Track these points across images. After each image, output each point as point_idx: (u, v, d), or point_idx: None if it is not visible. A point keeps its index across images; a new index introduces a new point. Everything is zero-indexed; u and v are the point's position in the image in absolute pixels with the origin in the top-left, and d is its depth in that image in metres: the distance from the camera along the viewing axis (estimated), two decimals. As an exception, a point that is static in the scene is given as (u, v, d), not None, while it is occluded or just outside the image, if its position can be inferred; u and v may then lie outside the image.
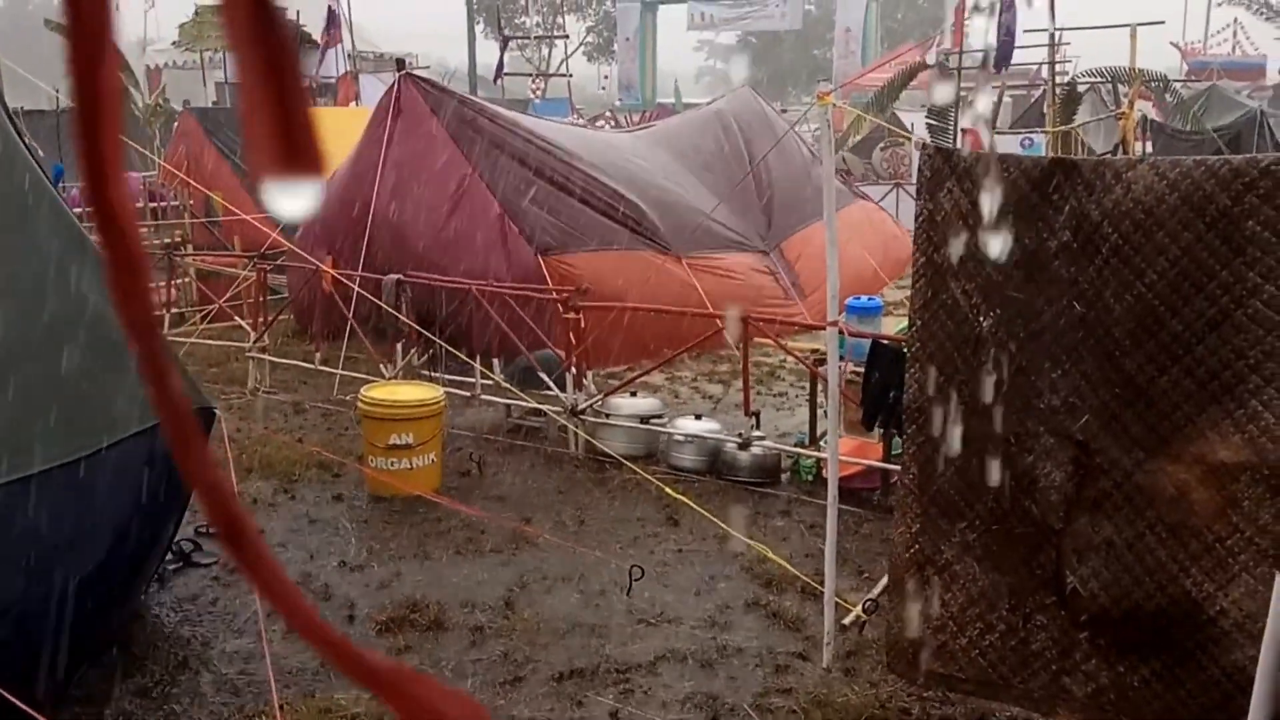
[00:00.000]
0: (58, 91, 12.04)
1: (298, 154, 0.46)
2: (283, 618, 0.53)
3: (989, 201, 3.41)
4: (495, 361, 8.49)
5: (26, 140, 4.95)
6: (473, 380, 8.43)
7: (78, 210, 5.37)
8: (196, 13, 28.01)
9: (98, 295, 4.57)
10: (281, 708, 4.28)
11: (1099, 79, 19.45)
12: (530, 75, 33.76)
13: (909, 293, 3.96)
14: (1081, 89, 19.56)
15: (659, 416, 7.93)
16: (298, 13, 25.55)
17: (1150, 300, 2.96)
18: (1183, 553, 2.92)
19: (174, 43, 29.95)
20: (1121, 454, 3.03)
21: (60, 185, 5.92)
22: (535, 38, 39.62)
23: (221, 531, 0.50)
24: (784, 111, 18.42)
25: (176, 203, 14.80)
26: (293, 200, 0.46)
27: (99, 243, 0.48)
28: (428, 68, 24.58)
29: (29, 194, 4.67)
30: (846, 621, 5.06)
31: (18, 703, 3.31)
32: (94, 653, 4.63)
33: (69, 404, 4.22)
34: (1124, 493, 3.04)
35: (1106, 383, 3.06)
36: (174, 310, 11.69)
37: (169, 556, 5.56)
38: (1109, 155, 12.65)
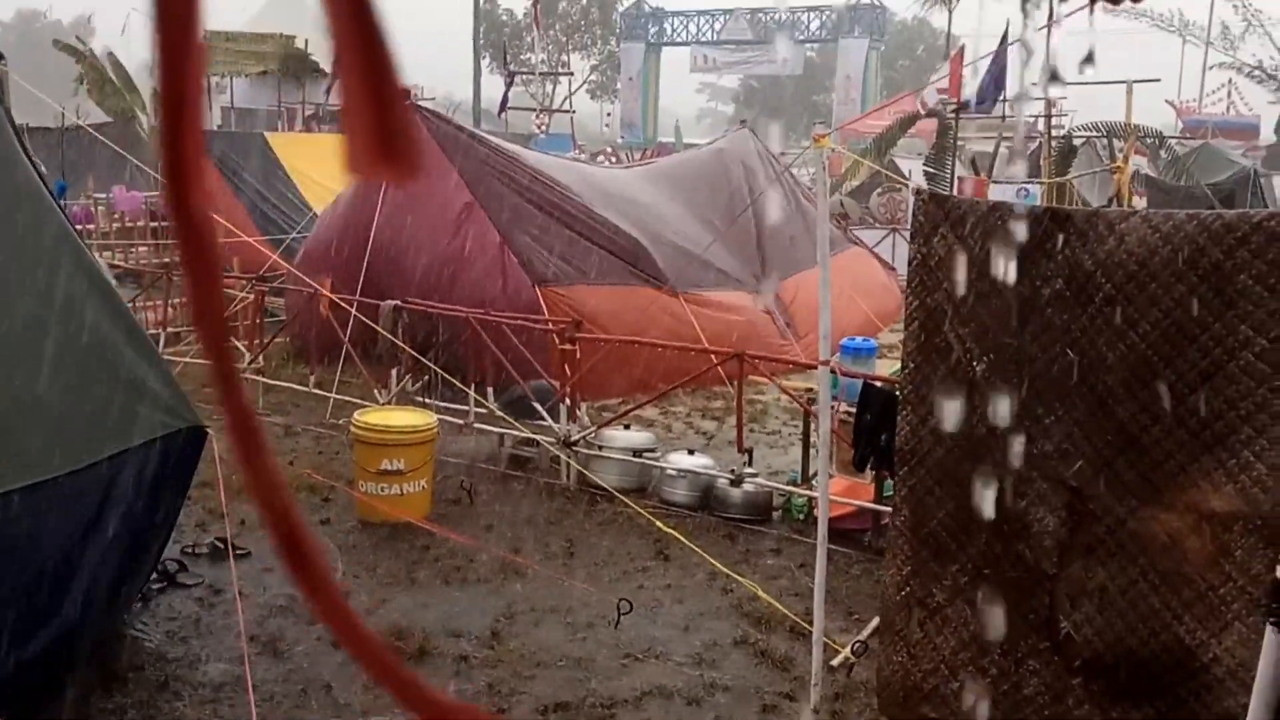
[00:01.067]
0: (63, 109, 12.13)
1: (393, 152, 0.46)
2: (339, 636, 0.53)
3: (983, 248, 3.45)
4: (490, 390, 8.49)
5: (31, 157, 4.98)
6: (466, 408, 8.43)
7: (78, 227, 5.40)
8: (205, 38, 28.26)
9: (96, 313, 4.59)
10: (263, 732, 4.24)
11: (1095, 133, 19.72)
12: (534, 110, 34.07)
13: (903, 336, 4.00)
14: (1077, 142, 19.83)
15: (652, 450, 7.93)
16: (306, 41, 25.85)
17: (1143, 350, 3.00)
18: (1176, 600, 2.93)
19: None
20: (1115, 501, 3.05)
21: (62, 202, 5.96)
22: (540, 74, 40.02)
23: (281, 545, 0.51)
24: (783, 154, 18.60)
25: (177, 223, 14.85)
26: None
27: (179, 251, 0.49)
28: (433, 99, 24.80)
29: (34, 211, 4.70)
30: (835, 663, 5.04)
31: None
32: (75, 670, 4.59)
33: (59, 420, 4.22)
34: (1117, 539, 3.05)
35: (1099, 430, 3.08)
36: (169, 329, 11.67)
37: (154, 576, 5.52)
38: (1104, 208, 12.78)
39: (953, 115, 17.09)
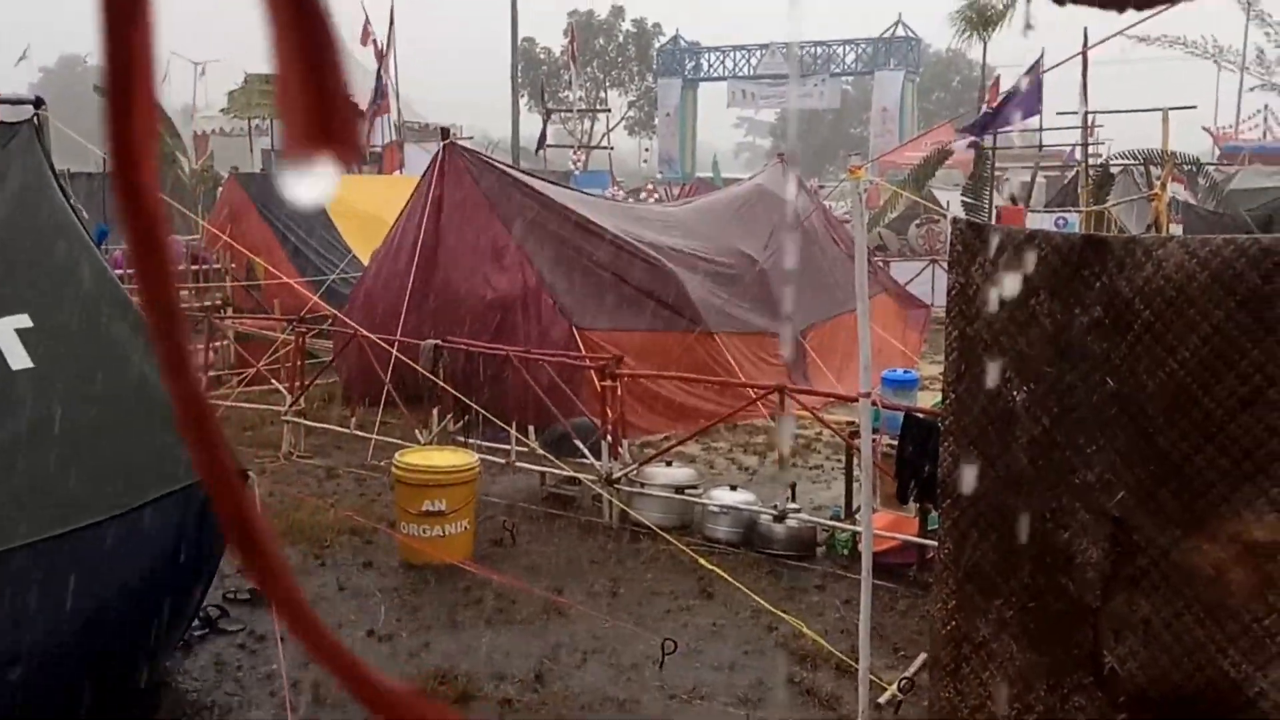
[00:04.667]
0: (105, 156, 12.41)
1: (332, 132, 0.44)
2: (307, 649, 0.51)
3: (1021, 277, 3.41)
4: (530, 429, 8.52)
5: (72, 202, 5.10)
6: (508, 447, 8.46)
7: (119, 271, 5.52)
8: (246, 81, 28.93)
9: (137, 357, 4.67)
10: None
11: (1132, 161, 19.59)
12: (572, 147, 34.38)
13: (942, 367, 3.96)
14: (1115, 171, 19.68)
15: (694, 487, 7.90)
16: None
17: (1183, 377, 2.94)
18: (1220, 633, 2.85)
19: (222, 110, 30.93)
20: (1157, 532, 2.99)
21: (104, 247, 6.09)
22: (578, 111, 40.46)
23: (229, 533, 0.48)
24: (820, 188, 18.62)
25: (218, 265, 15.12)
26: (316, 180, 0.44)
27: (124, 230, 0.45)
28: (471, 138, 25.14)
29: (75, 256, 4.81)
30: (882, 700, 4.96)
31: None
32: (119, 716, 4.63)
33: (101, 464, 4.27)
34: (1161, 571, 2.98)
35: (1141, 459, 3.02)
36: (211, 373, 11.87)
37: (195, 622, 5.55)
38: (1142, 235, 12.66)
39: (990, 147, 17.03)
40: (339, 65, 0.44)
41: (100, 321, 4.65)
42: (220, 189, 18.45)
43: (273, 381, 10.86)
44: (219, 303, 14.13)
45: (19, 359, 4.28)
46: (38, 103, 5.12)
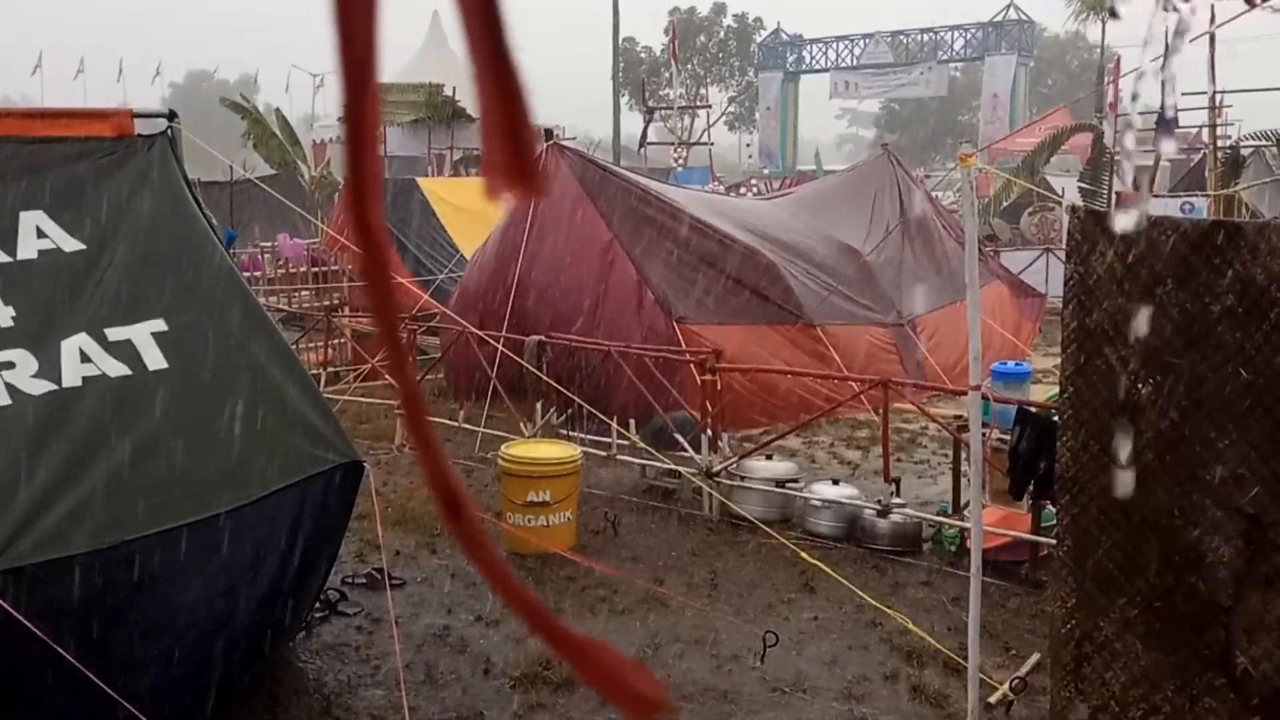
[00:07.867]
0: (231, 164, 12.93)
1: (523, 175, 0.55)
2: (494, 588, 0.61)
3: (1146, 265, 3.27)
4: (632, 422, 8.56)
5: (204, 209, 5.32)
6: (609, 440, 8.52)
7: (246, 274, 5.74)
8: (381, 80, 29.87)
9: (263, 355, 4.85)
10: (418, 757, 4.35)
11: (1264, 142, 18.51)
12: (673, 144, 34.41)
13: (1059, 359, 3.83)
14: (1245, 153, 18.65)
15: (795, 481, 7.82)
16: (454, 89, 26.91)
17: (1327, 367, 2.79)
18: (1368, 636, 2.69)
19: (339, 119, 32.03)
20: (1297, 529, 2.84)
21: (231, 250, 6.38)
22: (678, 108, 40.46)
23: (441, 504, 0.59)
24: (926, 178, 18.19)
25: (337, 267, 15.65)
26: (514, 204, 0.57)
27: (356, 254, 0.58)
28: (574, 138, 25.40)
29: (207, 261, 5.03)
30: (993, 700, 4.83)
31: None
32: (242, 697, 4.82)
33: (228, 456, 4.45)
34: (1300, 570, 2.83)
35: (1278, 453, 2.87)
36: (330, 369, 12.25)
37: (316, 605, 5.75)
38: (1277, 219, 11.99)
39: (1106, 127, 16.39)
40: (531, 118, 0.55)
41: (229, 323, 4.84)
42: (338, 194, 19.09)
43: (387, 377, 11.15)
44: (337, 302, 14.61)
45: (155, 360, 4.50)
46: (171, 116, 5.36)
